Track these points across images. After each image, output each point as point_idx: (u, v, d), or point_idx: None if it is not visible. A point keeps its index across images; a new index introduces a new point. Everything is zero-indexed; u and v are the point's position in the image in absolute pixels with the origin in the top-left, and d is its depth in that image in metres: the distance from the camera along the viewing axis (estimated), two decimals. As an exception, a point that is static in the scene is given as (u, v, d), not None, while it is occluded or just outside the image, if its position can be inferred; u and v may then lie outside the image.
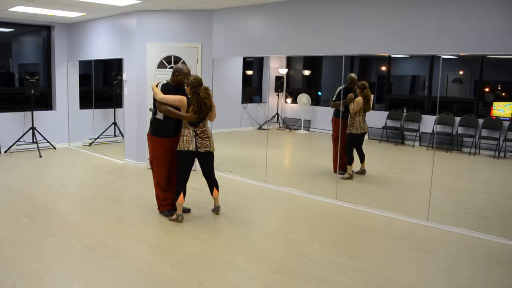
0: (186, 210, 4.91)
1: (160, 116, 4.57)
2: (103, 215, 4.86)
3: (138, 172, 6.97)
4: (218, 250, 3.97)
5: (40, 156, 7.92)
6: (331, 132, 6.37)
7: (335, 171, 6.05)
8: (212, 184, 4.83)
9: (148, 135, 4.76)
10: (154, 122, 4.68)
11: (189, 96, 4.44)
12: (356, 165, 6.23)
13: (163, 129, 4.61)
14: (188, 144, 4.47)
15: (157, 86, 4.56)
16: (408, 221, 4.81)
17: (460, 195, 5.67)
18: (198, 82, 4.36)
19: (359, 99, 5.99)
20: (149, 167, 4.95)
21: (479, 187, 5.95)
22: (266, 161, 6.37)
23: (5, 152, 8.13)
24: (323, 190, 5.71)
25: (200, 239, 4.21)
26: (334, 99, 6.19)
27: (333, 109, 6.35)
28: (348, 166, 6.06)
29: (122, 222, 4.68)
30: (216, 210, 4.87)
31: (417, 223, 4.76)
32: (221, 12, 6.67)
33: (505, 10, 4.22)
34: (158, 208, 4.87)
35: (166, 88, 4.54)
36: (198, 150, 4.52)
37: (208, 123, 4.66)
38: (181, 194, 4.55)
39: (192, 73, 6.68)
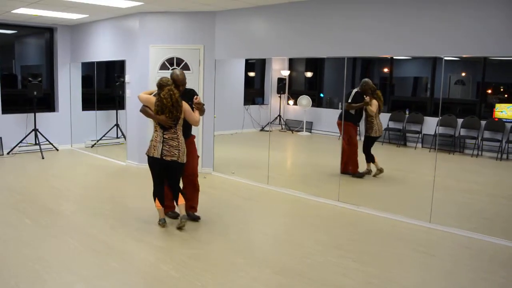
0: (195, 218, 4.70)
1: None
2: (105, 217, 4.87)
3: (141, 173, 6.98)
4: (221, 252, 3.96)
5: (43, 158, 7.94)
6: (340, 135, 6.33)
7: (352, 170, 6.25)
8: (176, 192, 4.45)
9: None
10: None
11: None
12: (363, 166, 6.29)
13: (188, 131, 4.55)
14: (154, 150, 4.28)
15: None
16: (411, 223, 4.81)
17: (463, 197, 5.66)
18: (164, 83, 4.21)
19: (375, 102, 6.12)
20: None
21: (482, 189, 5.94)
22: (268, 163, 6.37)
23: (8, 153, 8.15)
24: (325, 192, 5.70)
25: (203, 241, 4.21)
26: (350, 101, 6.19)
27: (340, 112, 6.35)
28: (372, 164, 6.20)
29: (124, 224, 4.68)
30: (184, 219, 4.39)
31: (419, 225, 4.75)
32: (223, 14, 6.69)
33: (507, 12, 4.22)
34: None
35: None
36: (164, 158, 4.26)
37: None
38: (157, 200, 4.45)
39: (194, 75, 6.66)
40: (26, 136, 8.23)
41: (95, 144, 8.90)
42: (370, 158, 6.23)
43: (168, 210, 4.81)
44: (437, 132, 6.35)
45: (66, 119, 8.99)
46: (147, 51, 7.00)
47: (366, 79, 6.30)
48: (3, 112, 8.17)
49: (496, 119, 6.55)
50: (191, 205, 4.75)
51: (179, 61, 6.92)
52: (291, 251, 4.02)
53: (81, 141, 9.07)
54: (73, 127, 9.07)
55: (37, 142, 8.19)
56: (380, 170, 6.19)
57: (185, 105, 4.32)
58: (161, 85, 4.22)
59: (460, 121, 6.64)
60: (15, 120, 8.27)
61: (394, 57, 6.94)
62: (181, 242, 4.17)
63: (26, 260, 3.69)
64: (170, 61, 6.95)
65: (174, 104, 4.16)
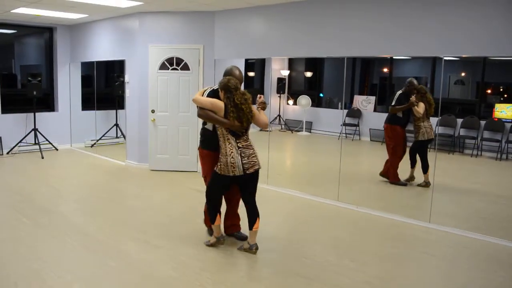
0: (243, 237, 4.18)
1: (209, 126, 3.91)
2: (104, 216, 4.87)
3: (140, 173, 6.98)
4: (219, 251, 3.96)
5: (42, 157, 7.94)
6: (385, 140, 6.15)
7: (392, 179, 5.99)
8: (254, 213, 3.87)
9: (198, 149, 4.14)
10: (202, 133, 4.04)
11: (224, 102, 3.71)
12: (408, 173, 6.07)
13: (213, 140, 3.85)
14: (234, 167, 3.64)
15: (203, 94, 3.94)
16: (410, 223, 4.80)
17: (462, 197, 5.66)
18: (233, 86, 3.65)
19: (421, 103, 5.79)
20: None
21: (481, 189, 5.93)
22: (267, 163, 6.37)
23: (8, 153, 8.15)
24: (325, 192, 5.70)
25: (201, 241, 4.20)
26: (393, 104, 5.94)
27: (387, 115, 6.15)
28: (411, 169, 5.89)
29: (123, 223, 4.68)
30: (253, 248, 3.88)
31: (418, 225, 4.75)
32: (223, 14, 6.68)
33: (506, 13, 4.22)
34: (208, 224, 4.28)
35: (215, 95, 3.84)
36: (246, 172, 3.69)
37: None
38: (218, 216, 3.89)
39: (194, 75, 6.54)
40: (25, 136, 8.23)
41: (94, 144, 8.90)
42: (413, 163, 5.90)
43: (235, 229, 4.28)
44: (436, 132, 6.34)
45: (65, 118, 8.99)
46: (147, 50, 7.00)
47: (411, 79, 5.94)
48: (3, 111, 8.17)
49: (496, 119, 6.54)
50: (237, 223, 4.33)
51: (179, 61, 6.92)
52: (290, 251, 4.02)
53: (81, 140, 9.07)
54: (73, 126, 9.06)
55: (37, 142, 8.19)
56: (426, 184, 5.69)
57: (253, 107, 3.79)
58: (229, 88, 3.66)
59: (459, 121, 6.63)
60: (15, 120, 8.27)
61: (394, 57, 6.94)
62: (180, 242, 4.17)
63: (24, 259, 3.69)
64: (170, 61, 6.95)
65: (250, 110, 3.67)
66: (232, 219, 4.29)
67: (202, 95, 3.89)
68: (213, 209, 3.88)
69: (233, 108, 3.61)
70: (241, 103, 3.61)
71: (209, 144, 3.94)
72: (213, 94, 3.85)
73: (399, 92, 6.02)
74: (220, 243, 4.00)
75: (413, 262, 3.87)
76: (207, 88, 4.00)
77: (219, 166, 3.72)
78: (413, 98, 5.80)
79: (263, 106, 3.91)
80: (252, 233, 3.88)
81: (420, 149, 5.86)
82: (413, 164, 5.95)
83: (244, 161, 3.67)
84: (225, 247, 4.04)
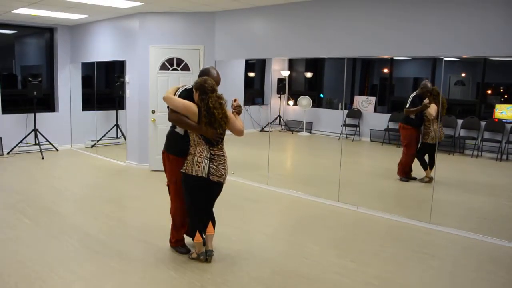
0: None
1: (180, 129, 3.64)
2: (104, 217, 4.87)
3: (140, 174, 6.98)
4: (220, 252, 3.96)
5: (43, 158, 7.94)
6: (400, 138, 6.26)
7: (398, 174, 6.12)
8: (208, 218, 3.73)
9: (163, 153, 3.82)
10: (171, 136, 3.76)
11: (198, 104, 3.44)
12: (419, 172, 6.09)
13: (184, 145, 3.58)
14: (198, 167, 3.41)
15: (175, 93, 3.62)
16: (410, 223, 4.80)
17: (463, 197, 5.66)
18: (210, 87, 3.38)
19: (434, 105, 5.82)
20: (169, 193, 3.95)
21: (482, 189, 5.93)
22: (268, 163, 6.37)
23: (8, 153, 8.15)
24: (325, 192, 5.70)
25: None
26: (407, 106, 6.02)
27: (402, 116, 6.24)
28: (425, 171, 5.91)
29: (123, 224, 4.68)
30: (207, 255, 3.68)
31: (419, 225, 4.75)
32: (223, 14, 6.69)
33: (507, 13, 4.22)
34: (170, 243, 3.99)
35: (188, 95, 3.53)
36: (210, 177, 3.46)
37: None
38: (197, 233, 3.63)
39: (194, 75, 6.53)
40: (26, 136, 8.23)
41: (95, 144, 8.90)
42: (424, 165, 5.94)
43: (178, 244, 3.95)
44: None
45: (66, 119, 8.99)
46: (147, 51, 7.00)
47: (425, 81, 6.03)
48: (3, 112, 8.17)
49: (496, 120, 6.54)
50: None
51: (179, 61, 6.93)
52: (291, 251, 4.02)
53: (81, 141, 9.07)
54: (73, 127, 9.07)
55: (37, 142, 8.19)
56: (429, 179, 5.79)
57: (229, 113, 3.54)
58: (205, 89, 3.38)
59: (460, 121, 6.63)
60: (15, 120, 8.27)
61: (394, 58, 6.94)
62: (180, 242, 4.16)
63: (25, 260, 3.69)
64: (170, 61, 6.95)
65: (223, 116, 3.41)
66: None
67: (175, 94, 3.58)
68: (194, 222, 3.65)
69: (205, 112, 3.34)
70: (214, 107, 3.33)
71: (177, 149, 3.65)
72: (186, 94, 3.54)
73: (413, 94, 6.07)
74: (200, 260, 3.68)
75: (413, 263, 3.86)
76: (180, 87, 3.68)
77: (185, 166, 3.49)
78: (426, 100, 5.85)
79: (239, 110, 3.63)
80: (207, 238, 3.68)
81: (427, 150, 5.94)
82: (424, 166, 5.96)
83: (212, 167, 3.45)
84: (225, 247, 4.04)
